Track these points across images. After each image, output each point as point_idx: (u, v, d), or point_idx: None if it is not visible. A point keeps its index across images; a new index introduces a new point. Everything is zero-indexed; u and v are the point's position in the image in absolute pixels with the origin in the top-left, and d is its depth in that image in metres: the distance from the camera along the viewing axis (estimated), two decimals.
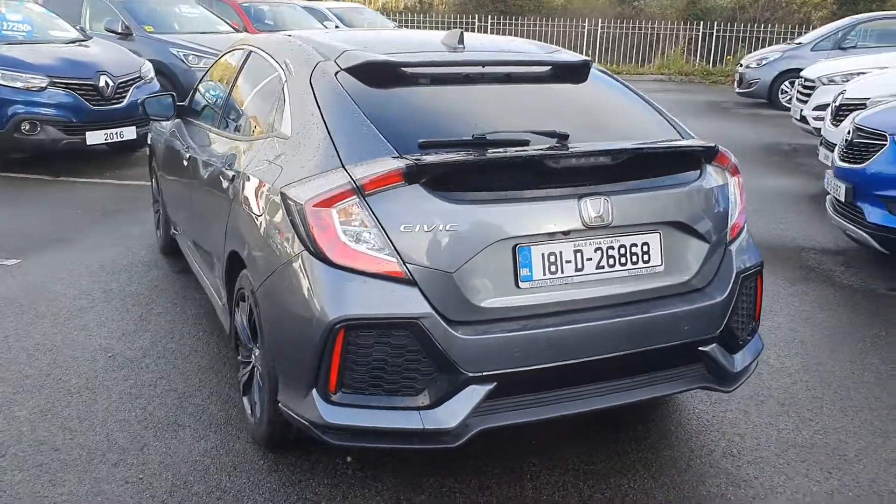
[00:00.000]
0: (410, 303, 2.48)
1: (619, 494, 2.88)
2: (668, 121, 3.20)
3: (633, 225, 2.73)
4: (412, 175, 2.50)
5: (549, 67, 3.30)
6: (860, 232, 5.15)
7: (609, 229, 2.68)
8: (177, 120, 4.73)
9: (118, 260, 5.39)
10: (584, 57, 3.42)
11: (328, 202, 2.54)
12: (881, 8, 26.33)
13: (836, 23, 14.75)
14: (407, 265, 2.50)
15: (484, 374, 2.52)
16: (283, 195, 2.70)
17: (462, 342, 2.49)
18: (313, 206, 2.55)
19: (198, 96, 4.63)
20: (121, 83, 8.13)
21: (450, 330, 2.48)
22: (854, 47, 13.46)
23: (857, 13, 26.84)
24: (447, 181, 2.54)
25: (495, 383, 2.53)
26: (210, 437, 3.22)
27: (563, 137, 2.73)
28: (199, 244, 4.01)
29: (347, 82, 2.99)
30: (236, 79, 3.86)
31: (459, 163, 2.54)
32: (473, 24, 23.79)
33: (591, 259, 2.68)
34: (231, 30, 11.50)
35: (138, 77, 8.42)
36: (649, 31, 25.07)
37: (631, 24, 25.09)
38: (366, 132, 2.72)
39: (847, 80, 9.21)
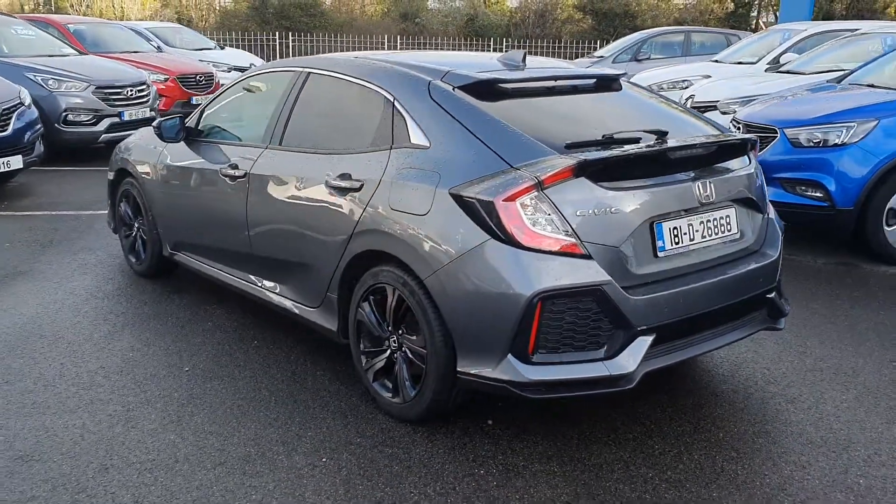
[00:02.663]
0: (593, 273, 3.03)
1: (718, 420, 3.59)
2: (700, 118, 3.95)
3: (721, 202, 3.45)
4: (581, 169, 3.06)
5: (597, 80, 3.96)
6: None
7: (709, 206, 3.39)
8: (177, 143, 4.86)
9: (101, 287, 5.35)
10: (618, 71, 4.12)
11: (514, 197, 3.02)
12: (634, 25, 29.69)
13: (630, 37, 16.61)
14: (584, 243, 3.05)
15: (648, 326, 3.12)
16: (458, 196, 3.14)
17: (633, 302, 3.08)
18: (502, 200, 3.02)
19: (218, 118, 4.79)
20: (3, 111, 7.74)
21: (624, 293, 3.07)
22: (648, 58, 15.29)
23: (615, 29, 29.99)
24: (604, 173, 3.12)
25: (655, 334, 3.15)
26: (352, 422, 3.54)
27: (662, 134, 3.39)
28: (267, 256, 4.19)
29: (468, 98, 3.47)
30: (297, 98, 4.14)
31: (619, 158, 3.13)
32: (269, 40, 23.73)
33: (698, 231, 3.37)
34: (76, 52, 11.04)
35: (19, 104, 8.04)
36: (434, 47, 26.40)
37: (416, 40, 26.34)
38: (518, 138, 3.23)
39: (674, 87, 10.68)
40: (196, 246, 4.91)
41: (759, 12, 33.61)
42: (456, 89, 3.52)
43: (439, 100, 3.48)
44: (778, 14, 32.32)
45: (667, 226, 3.26)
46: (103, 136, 9.85)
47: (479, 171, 3.17)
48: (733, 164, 3.61)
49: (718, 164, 3.53)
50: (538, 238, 3.02)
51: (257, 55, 19.91)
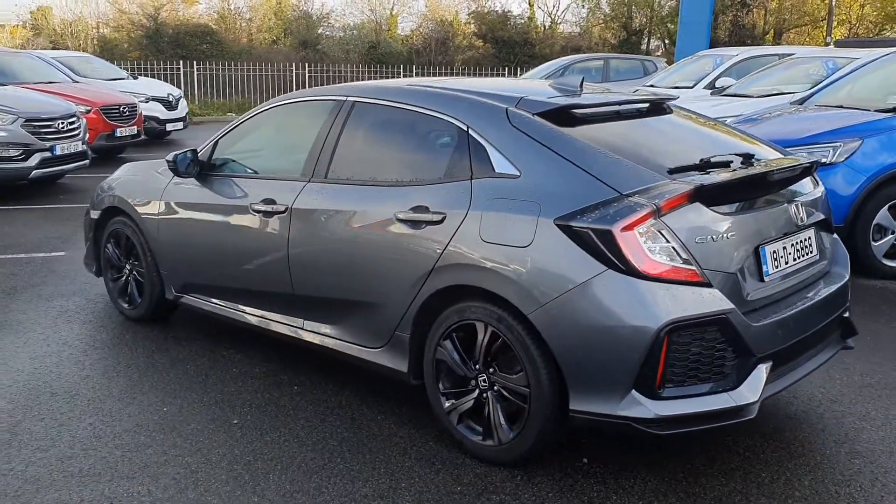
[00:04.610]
0: (717, 301, 2.95)
1: (806, 442, 3.57)
2: (754, 139, 3.96)
3: (805, 224, 3.45)
4: (697, 195, 2.99)
5: (652, 104, 3.92)
6: None
7: (797, 228, 3.38)
8: (189, 178, 4.54)
9: (95, 336, 4.92)
10: (668, 94, 4.10)
11: (633, 225, 2.91)
12: (533, 52, 30.55)
13: (552, 63, 16.96)
14: (704, 270, 2.97)
15: (766, 353, 3.07)
16: (566, 226, 3.00)
17: (753, 329, 3.02)
18: (621, 230, 2.91)
19: (236, 151, 4.49)
20: None
21: (746, 320, 3.00)
22: None
23: (515, 56, 30.71)
24: (718, 197, 3.06)
25: (772, 361, 3.10)
26: (441, 469, 3.33)
27: (749, 157, 3.37)
28: (314, 296, 3.92)
29: (550, 125, 3.35)
30: (342, 129, 3.92)
31: (733, 181, 3.08)
32: (173, 69, 22.90)
33: (790, 253, 3.36)
34: None
35: None
36: (336, 74, 26.26)
37: (317, 67, 26.11)
38: (622, 164, 3.13)
39: None
40: (212, 287, 4.57)
41: (648, 40, 35.09)
42: (535, 116, 3.40)
43: (522, 127, 3.35)
44: (666, 42, 33.95)
45: (769, 249, 3.23)
46: (35, 171, 9.19)
47: (585, 199, 3.05)
48: (810, 185, 3.63)
49: (800, 186, 3.54)
50: (659, 267, 2.92)
51: None
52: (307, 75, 25.63)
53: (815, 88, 7.62)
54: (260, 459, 3.42)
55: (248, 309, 4.36)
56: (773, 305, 3.22)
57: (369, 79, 26.38)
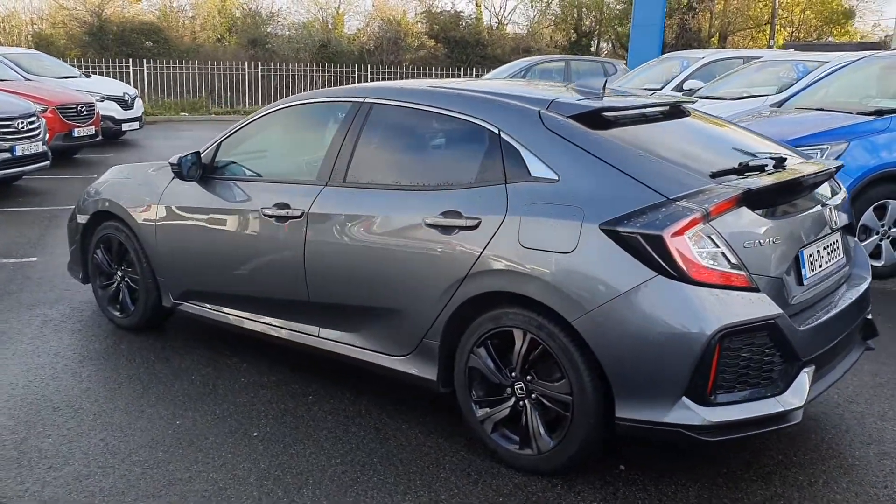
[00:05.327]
0: (766, 306, 2.94)
1: (834, 444, 3.59)
2: (774, 141, 3.96)
3: (835, 227, 3.47)
4: (744, 199, 2.97)
5: (672, 106, 3.91)
6: None
7: (829, 231, 3.40)
8: (192, 182, 4.38)
9: (88, 346, 4.71)
10: (685, 97, 4.09)
11: (683, 230, 2.88)
12: (485, 53, 30.67)
13: (515, 63, 16.99)
14: (752, 275, 2.95)
15: (810, 357, 3.07)
16: (612, 231, 2.95)
17: (800, 333, 3.01)
18: (671, 235, 2.87)
19: (241, 153, 4.34)
20: None
21: (793, 324, 2.99)
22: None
23: (467, 56, 30.76)
24: (763, 201, 3.05)
25: (815, 364, 3.10)
26: (479, 480, 3.26)
27: (781, 160, 3.37)
28: (333, 303, 3.80)
29: (584, 128, 3.30)
30: (360, 132, 3.81)
31: (778, 185, 3.07)
32: (122, 67, 22.32)
33: (823, 256, 3.37)
34: None
35: None
36: (286, 73, 25.98)
37: (267, 66, 25.77)
38: (665, 168, 3.10)
39: None
40: (217, 295, 4.41)
41: (598, 42, 35.50)
42: (569, 119, 3.34)
43: (557, 130, 3.30)
44: (614, 44, 34.38)
45: (806, 252, 3.24)
46: None
47: (631, 204, 3.00)
48: (832, 189, 3.65)
49: (826, 190, 3.56)
50: (709, 272, 2.90)
51: None
52: (259, 74, 25.29)
53: (790, 91, 7.73)
54: (289, 474, 3.30)
55: (256, 316, 4.22)
56: (811, 309, 3.23)
57: (322, 78, 26.18)
